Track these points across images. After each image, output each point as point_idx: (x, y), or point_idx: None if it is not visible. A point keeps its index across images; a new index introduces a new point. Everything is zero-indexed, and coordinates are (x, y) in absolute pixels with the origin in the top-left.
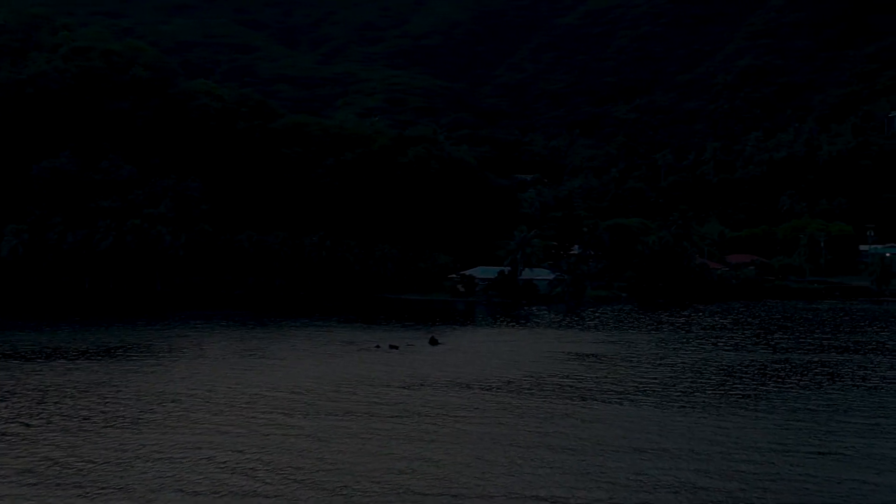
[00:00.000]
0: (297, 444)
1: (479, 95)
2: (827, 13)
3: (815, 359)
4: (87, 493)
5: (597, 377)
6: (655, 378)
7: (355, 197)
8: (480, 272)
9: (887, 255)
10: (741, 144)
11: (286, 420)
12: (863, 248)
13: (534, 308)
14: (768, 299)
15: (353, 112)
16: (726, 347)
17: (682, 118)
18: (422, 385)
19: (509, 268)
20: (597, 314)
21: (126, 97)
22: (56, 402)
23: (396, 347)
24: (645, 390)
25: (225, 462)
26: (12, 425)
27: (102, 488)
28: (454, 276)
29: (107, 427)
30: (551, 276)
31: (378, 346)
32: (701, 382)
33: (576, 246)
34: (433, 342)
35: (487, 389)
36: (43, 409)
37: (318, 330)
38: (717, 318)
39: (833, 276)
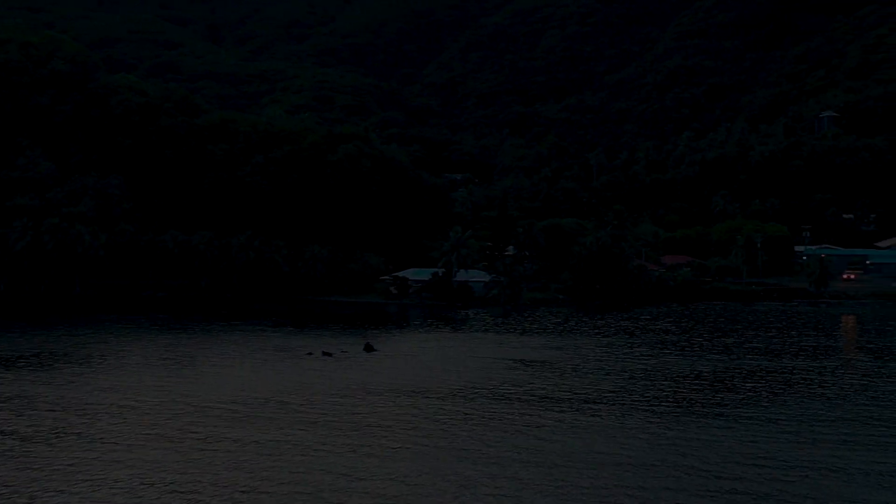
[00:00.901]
0: (241, 460)
1: (408, 94)
2: (754, 15)
3: (768, 364)
4: None
5: (548, 386)
6: (609, 387)
7: (284, 196)
8: (413, 274)
9: (822, 256)
10: (672, 144)
11: (223, 433)
12: (798, 248)
13: (470, 311)
14: (707, 301)
15: (281, 110)
16: (676, 353)
17: (612, 118)
18: (363, 395)
19: (443, 269)
20: (535, 317)
21: (45, 91)
22: None
23: (330, 354)
24: (600, 399)
25: (161, 482)
26: None
27: None
28: (386, 277)
29: (23, 443)
30: (487, 278)
31: (311, 353)
32: (656, 391)
33: (510, 247)
34: (368, 349)
35: (434, 399)
36: None
37: (247, 335)
38: (660, 322)
39: (769, 277)
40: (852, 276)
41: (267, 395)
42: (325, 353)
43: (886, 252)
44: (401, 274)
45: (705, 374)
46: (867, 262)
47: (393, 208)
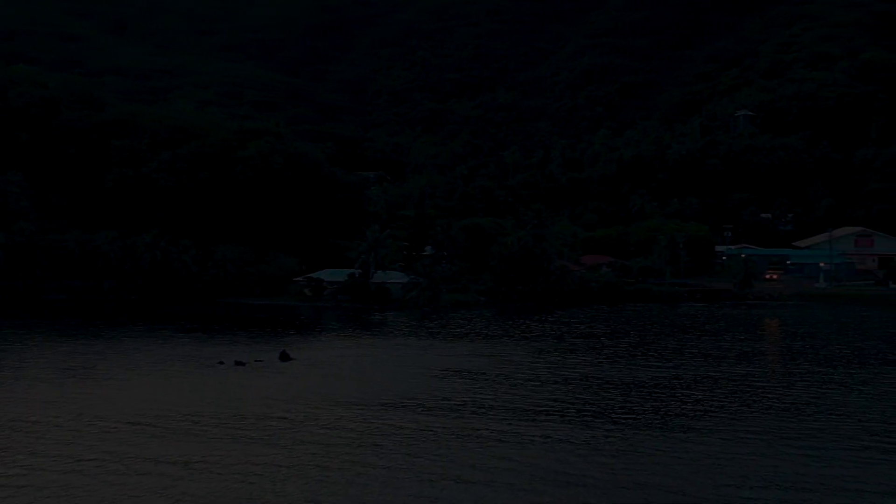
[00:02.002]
0: (155, 483)
1: (319, 90)
2: (666, 14)
3: (710, 372)
4: None
5: (485, 397)
6: (547, 397)
7: (192, 194)
8: (329, 275)
9: (742, 255)
10: (586, 143)
11: (133, 452)
12: (718, 248)
13: (388, 314)
14: (631, 303)
15: (189, 105)
16: (611, 359)
17: (526, 116)
18: (283, 408)
19: (360, 270)
20: (457, 321)
21: None
22: None
23: (243, 364)
24: (541, 410)
25: None
26: None
27: None
28: (300, 279)
29: None
30: (405, 280)
31: (222, 363)
32: (599, 401)
33: (428, 247)
34: (284, 357)
35: (363, 412)
36: None
37: (153, 342)
38: (587, 325)
39: (691, 277)
40: (774, 277)
41: (175, 411)
42: (237, 363)
43: (806, 252)
44: (315, 275)
45: (646, 383)
46: (788, 262)
47: (307, 207)
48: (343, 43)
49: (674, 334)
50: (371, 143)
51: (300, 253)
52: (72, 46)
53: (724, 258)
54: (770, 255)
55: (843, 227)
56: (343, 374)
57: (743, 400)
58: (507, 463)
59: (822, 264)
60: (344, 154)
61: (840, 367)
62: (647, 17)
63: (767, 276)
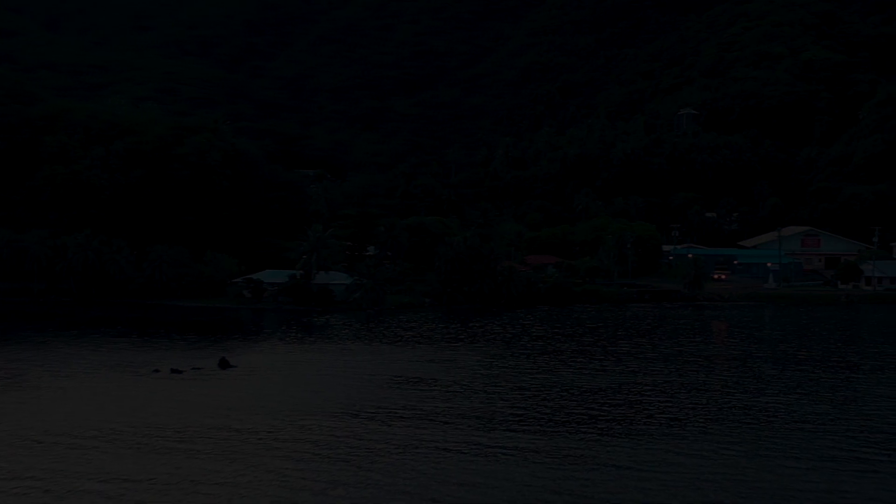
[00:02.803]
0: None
1: (257, 87)
2: (607, 12)
3: (673, 379)
4: None
5: (438, 406)
6: (506, 405)
7: (127, 192)
8: (269, 276)
9: (690, 255)
10: (528, 141)
11: (65, 469)
12: (664, 248)
13: (331, 316)
14: (580, 304)
15: (124, 100)
16: (567, 364)
17: (467, 114)
18: (225, 420)
19: (302, 271)
20: (403, 323)
21: None
22: None
23: (180, 372)
24: (501, 420)
25: None
26: None
27: None
28: (239, 280)
29: None
30: (348, 281)
31: (157, 371)
32: (558, 409)
33: (371, 247)
34: (224, 364)
35: (307, 423)
36: None
37: (85, 347)
38: (539, 328)
39: (638, 277)
40: (722, 277)
41: (111, 425)
42: (173, 371)
43: (753, 252)
44: (255, 276)
45: (606, 389)
46: (735, 262)
47: (246, 205)
48: (282, 39)
49: (629, 337)
50: (311, 140)
51: (239, 253)
52: (3, 41)
53: (670, 258)
54: (716, 255)
55: (790, 226)
56: (286, 382)
57: (712, 410)
58: (470, 476)
59: (769, 264)
60: (283, 152)
61: (805, 373)
62: (588, 15)
63: (715, 277)
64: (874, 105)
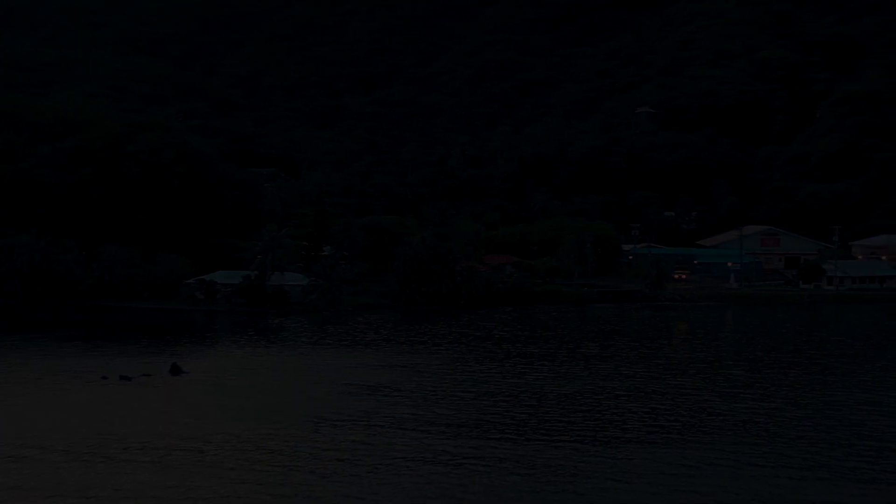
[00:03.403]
0: None
1: (211, 85)
2: (563, 10)
3: (638, 384)
4: None
5: (403, 413)
6: (474, 412)
7: (76, 190)
8: (223, 277)
9: (650, 255)
10: (485, 140)
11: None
12: (623, 247)
13: (287, 319)
14: (541, 305)
15: (74, 97)
16: (534, 369)
17: (423, 112)
18: (173, 433)
19: (256, 272)
20: (362, 326)
21: None
22: None
23: (129, 379)
24: (469, 426)
25: None
26: None
27: None
28: (192, 281)
29: None
30: (304, 282)
31: (106, 378)
32: (529, 416)
33: (327, 247)
34: (175, 371)
35: (263, 433)
36: None
37: (30, 353)
38: (501, 330)
39: (597, 277)
40: (683, 277)
41: (49, 437)
42: (122, 378)
43: (713, 251)
44: (208, 277)
45: (578, 395)
46: (695, 261)
47: (199, 205)
48: (236, 37)
49: (595, 340)
50: (265, 139)
51: (192, 254)
52: None
53: (630, 257)
54: (675, 255)
55: (749, 225)
56: (241, 389)
57: (687, 416)
58: (446, 486)
59: (730, 264)
60: (237, 150)
61: (779, 377)
62: (544, 13)
63: (676, 277)
64: (831, 104)
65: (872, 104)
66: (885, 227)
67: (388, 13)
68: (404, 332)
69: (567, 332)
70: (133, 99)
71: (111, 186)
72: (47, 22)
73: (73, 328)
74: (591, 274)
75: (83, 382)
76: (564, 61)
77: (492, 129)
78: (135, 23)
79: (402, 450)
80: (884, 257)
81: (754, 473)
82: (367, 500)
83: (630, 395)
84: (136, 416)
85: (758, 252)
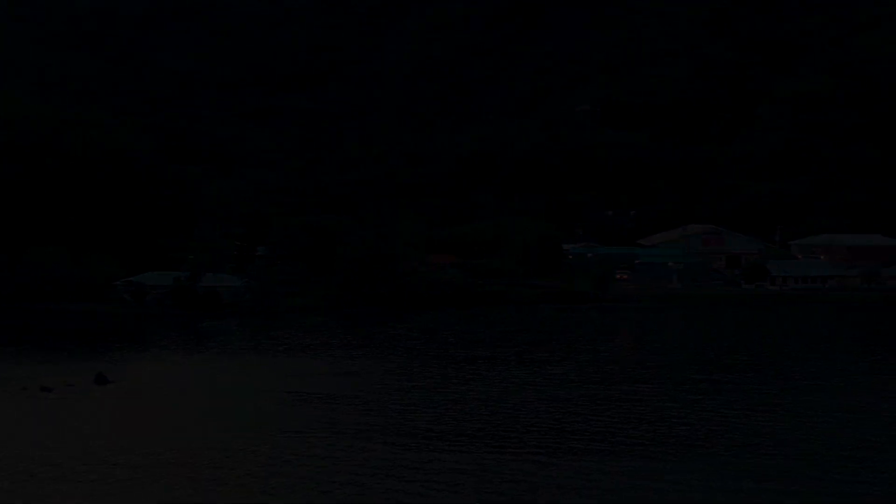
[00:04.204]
0: None
1: (144, 81)
2: (502, 8)
3: (602, 390)
4: None
5: (356, 425)
6: (429, 421)
7: (1, 189)
8: (152, 278)
9: (589, 255)
10: (424, 138)
11: None
12: (564, 247)
13: (220, 322)
14: (486, 306)
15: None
16: (482, 376)
17: (361, 110)
18: (95, 453)
19: (188, 273)
20: (301, 330)
21: None
22: None
23: (50, 389)
24: (425, 435)
25: None
26: None
27: None
28: (120, 283)
29: None
30: (238, 283)
31: (25, 388)
32: (490, 424)
33: (265, 247)
34: (101, 380)
35: (193, 449)
36: None
37: None
38: (447, 333)
39: (540, 277)
40: (625, 277)
41: None
42: (43, 388)
43: (656, 251)
44: (137, 279)
45: (533, 402)
46: (636, 261)
47: (129, 204)
48: (170, 33)
49: (544, 343)
50: (199, 136)
51: (121, 254)
52: None
53: (570, 257)
54: (618, 255)
55: (691, 224)
56: (169, 400)
57: (649, 425)
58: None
59: (671, 264)
60: (171, 148)
61: (738, 382)
62: (483, 11)
63: (619, 277)
64: (771, 103)
65: (813, 103)
66: (826, 227)
67: (326, 10)
68: (345, 337)
69: (515, 335)
70: (63, 95)
71: (38, 185)
72: None
73: None
74: (534, 274)
75: (2, 392)
76: (505, 59)
77: (432, 127)
78: (66, 17)
79: (348, 460)
80: (822, 257)
81: (709, 480)
82: None
83: (584, 402)
84: (57, 432)
85: (700, 251)
